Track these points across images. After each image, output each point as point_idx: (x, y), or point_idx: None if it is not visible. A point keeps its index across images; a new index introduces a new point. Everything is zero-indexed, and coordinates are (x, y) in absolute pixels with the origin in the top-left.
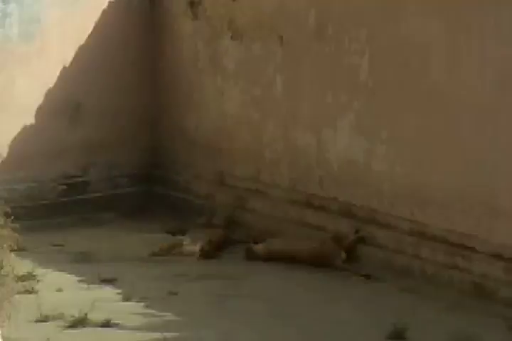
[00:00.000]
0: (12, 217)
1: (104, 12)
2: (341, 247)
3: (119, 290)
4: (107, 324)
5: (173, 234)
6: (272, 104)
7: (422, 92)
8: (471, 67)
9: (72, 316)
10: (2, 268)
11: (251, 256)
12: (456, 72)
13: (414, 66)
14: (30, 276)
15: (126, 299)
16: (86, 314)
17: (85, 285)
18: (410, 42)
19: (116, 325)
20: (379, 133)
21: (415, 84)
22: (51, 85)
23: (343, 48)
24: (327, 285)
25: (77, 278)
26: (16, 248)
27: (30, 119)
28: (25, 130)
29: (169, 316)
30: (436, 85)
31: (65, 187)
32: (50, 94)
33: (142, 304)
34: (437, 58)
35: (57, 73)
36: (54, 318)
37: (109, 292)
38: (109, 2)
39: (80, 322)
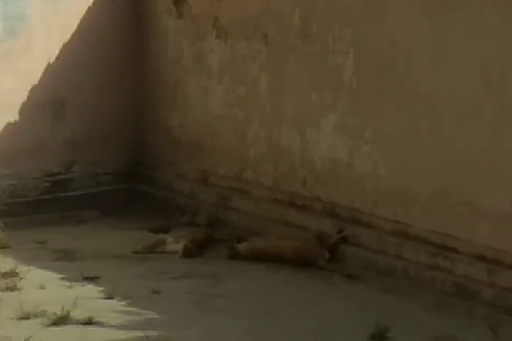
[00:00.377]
0: None
1: (89, 9)
2: (324, 247)
3: (102, 288)
4: (89, 322)
5: (156, 232)
6: (256, 103)
7: (406, 92)
8: (456, 67)
9: (55, 314)
10: None
11: (234, 255)
12: (440, 72)
13: (398, 66)
14: (12, 273)
15: (109, 297)
16: (68, 312)
17: (68, 283)
18: (395, 42)
19: (98, 323)
20: (363, 133)
21: (399, 84)
22: (35, 82)
23: (328, 48)
24: (310, 284)
25: (60, 276)
26: None
27: (13, 116)
28: (9, 127)
29: (152, 314)
30: (420, 85)
31: (47, 184)
32: (33, 91)
33: (125, 302)
34: (422, 58)
35: (42, 70)
36: (36, 316)
37: (91, 290)
38: None
39: (62, 320)
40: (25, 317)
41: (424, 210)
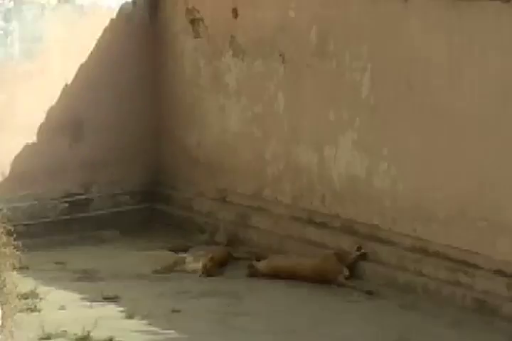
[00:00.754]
0: (14, 235)
1: (105, 30)
2: (344, 264)
3: (122, 308)
4: None
5: (176, 251)
6: (273, 121)
7: (423, 108)
8: (473, 80)
9: (75, 334)
10: (5, 286)
11: (253, 273)
12: (458, 87)
13: (415, 81)
14: (32, 294)
15: (129, 317)
16: (89, 332)
17: (88, 303)
18: (411, 58)
19: None
20: (381, 150)
21: (417, 99)
22: (53, 103)
23: (345, 65)
24: (329, 301)
25: (80, 296)
26: (18, 266)
27: (31, 137)
28: (27, 148)
29: (172, 334)
30: (438, 100)
31: (66, 205)
32: (51, 112)
33: (145, 322)
34: (439, 73)
35: (59, 91)
36: (57, 336)
37: (111, 310)
38: (111, 19)
39: (82, 340)
40: (46, 337)
41: (444, 226)
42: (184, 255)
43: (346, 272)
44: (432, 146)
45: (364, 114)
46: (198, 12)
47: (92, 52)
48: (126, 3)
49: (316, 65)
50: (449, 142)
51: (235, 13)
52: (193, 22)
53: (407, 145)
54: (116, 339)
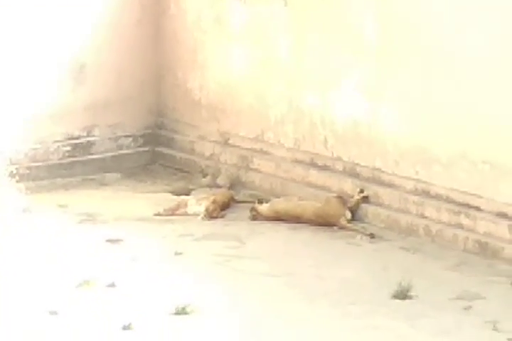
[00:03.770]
0: (17, 178)
1: None
2: (346, 207)
3: (125, 251)
4: (112, 285)
5: (178, 194)
6: (276, 64)
7: (428, 51)
8: (477, 24)
9: (79, 277)
10: None
11: (256, 216)
12: (461, 30)
13: (419, 24)
14: None
15: (132, 259)
16: (92, 275)
17: (91, 246)
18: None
19: (121, 286)
20: (384, 93)
21: (420, 43)
22: (55, 46)
23: (349, 8)
24: (331, 244)
25: (83, 239)
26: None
27: (34, 80)
28: (30, 91)
29: (174, 276)
30: (442, 44)
31: (69, 147)
32: (53, 55)
33: (148, 264)
34: (442, 16)
35: (61, 35)
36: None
37: (114, 252)
38: None
39: (86, 283)
40: None
41: (446, 169)
42: (186, 198)
43: (348, 215)
44: (435, 89)
45: (367, 57)
46: None
47: None
48: None
49: (320, 8)
50: (452, 85)
51: None
52: None
53: (409, 88)
54: (119, 282)
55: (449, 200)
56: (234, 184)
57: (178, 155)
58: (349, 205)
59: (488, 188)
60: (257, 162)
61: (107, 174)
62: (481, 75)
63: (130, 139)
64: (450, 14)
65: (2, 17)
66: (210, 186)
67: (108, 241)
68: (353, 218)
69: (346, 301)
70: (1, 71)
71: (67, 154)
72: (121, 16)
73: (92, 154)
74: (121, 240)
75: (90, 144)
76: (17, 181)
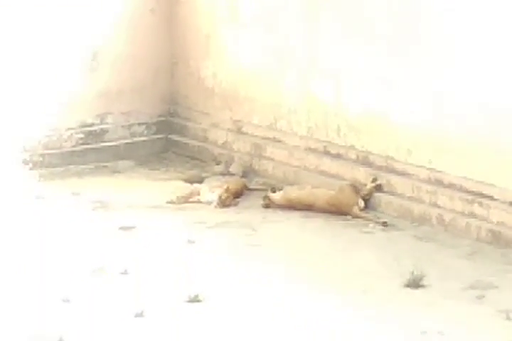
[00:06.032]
0: (30, 165)
1: None
2: (359, 195)
3: (138, 238)
4: (125, 272)
5: (191, 182)
6: (290, 52)
7: (440, 40)
8: (491, 13)
9: (92, 264)
10: None
11: (268, 204)
12: (476, 18)
13: (432, 12)
14: None
15: (145, 247)
16: (104, 262)
17: (104, 233)
18: None
19: (134, 273)
20: (396, 82)
21: (433, 31)
22: (68, 34)
23: None
24: (344, 233)
25: (96, 226)
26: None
27: (48, 68)
28: (43, 78)
29: (188, 264)
30: (453, 33)
31: (82, 135)
32: (67, 43)
33: (160, 252)
34: (455, 4)
35: (75, 22)
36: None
37: (127, 240)
38: None
39: (99, 271)
40: None
41: (459, 157)
42: (199, 186)
43: (361, 203)
44: (448, 77)
45: (381, 46)
46: None
47: None
48: None
49: None
50: (466, 73)
51: None
52: None
53: (423, 76)
54: (131, 269)
55: (462, 189)
56: (247, 172)
57: (191, 143)
58: (362, 194)
59: (501, 177)
60: (270, 150)
61: (120, 161)
62: (496, 63)
63: (143, 127)
64: (464, 2)
65: (17, 6)
66: (223, 174)
67: (121, 228)
68: (366, 207)
69: (359, 290)
70: (15, 59)
71: (80, 141)
72: (134, 4)
73: (105, 142)
74: (134, 227)
75: (103, 132)
76: (30, 168)
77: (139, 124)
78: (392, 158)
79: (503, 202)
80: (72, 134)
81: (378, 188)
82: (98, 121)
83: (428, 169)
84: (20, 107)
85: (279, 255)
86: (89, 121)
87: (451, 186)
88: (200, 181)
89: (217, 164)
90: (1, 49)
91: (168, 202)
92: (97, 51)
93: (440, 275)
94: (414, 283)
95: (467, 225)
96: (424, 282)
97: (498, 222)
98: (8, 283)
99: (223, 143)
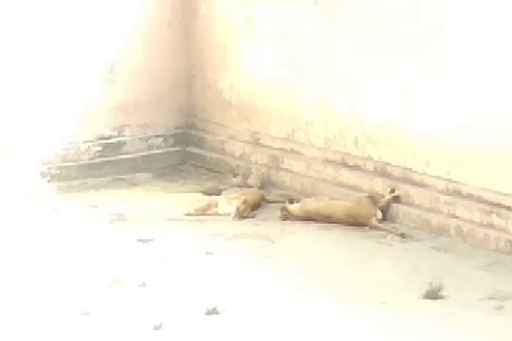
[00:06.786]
0: (48, 178)
1: None
2: (377, 206)
3: (156, 251)
4: (143, 284)
5: (209, 194)
6: (306, 64)
7: (457, 51)
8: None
9: (110, 277)
10: None
11: (286, 216)
12: (494, 29)
13: (447, 23)
14: None
15: (163, 259)
16: (123, 275)
17: (122, 246)
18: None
19: (152, 286)
20: (413, 92)
21: (450, 43)
22: (86, 47)
23: (377, 7)
24: (362, 244)
25: (114, 239)
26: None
27: (65, 80)
28: (61, 91)
29: (206, 276)
30: (470, 44)
31: (99, 147)
32: (84, 55)
33: (178, 264)
34: (470, 16)
35: (92, 35)
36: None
37: (145, 252)
38: None
39: (117, 283)
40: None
41: (477, 168)
42: (217, 198)
43: (379, 215)
44: (466, 88)
45: (398, 57)
46: None
47: None
48: None
49: (349, 7)
50: (483, 85)
51: None
52: None
53: (440, 88)
54: (150, 281)
55: (480, 200)
56: (264, 184)
57: (209, 155)
58: (380, 205)
59: None
60: (288, 162)
61: (138, 174)
62: (505, 81)
63: (161, 139)
64: (482, 13)
65: (34, 18)
66: (240, 186)
67: (139, 241)
68: (384, 218)
69: (377, 301)
70: (33, 72)
71: (97, 154)
72: (151, 17)
73: (122, 154)
74: (152, 240)
75: (121, 144)
76: (48, 181)
77: (157, 136)
78: (410, 169)
79: None
80: (89, 147)
81: (396, 199)
82: (115, 134)
83: (446, 180)
84: (37, 120)
85: (297, 267)
86: (107, 133)
87: (469, 197)
88: (218, 193)
89: (235, 176)
90: (19, 62)
91: (185, 214)
92: (114, 64)
93: (459, 286)
94: (433, 294)
95: (485, 236)
96: (443, 293)
97: None
98: (27, 295)
99: (241, 155)
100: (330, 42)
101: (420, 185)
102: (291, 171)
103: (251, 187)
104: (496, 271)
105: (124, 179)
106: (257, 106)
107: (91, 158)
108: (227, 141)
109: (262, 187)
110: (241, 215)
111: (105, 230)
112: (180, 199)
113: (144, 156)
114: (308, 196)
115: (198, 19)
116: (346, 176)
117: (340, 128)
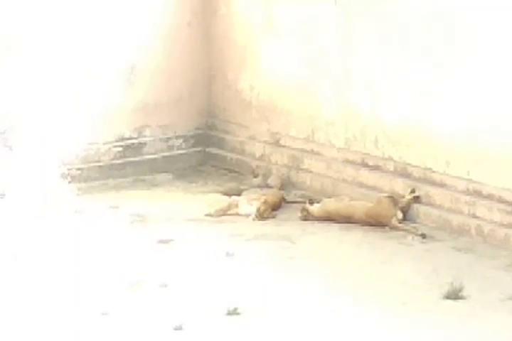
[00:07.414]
0: (69, 179)
1: None
2: (397, 207)
3: (176, 251)
4: (164, 285)
5: (229, 194)
6: (326, 64)
7: (477, 51)
8: None
9: (130, 278)
10: None
11: (307, 217)
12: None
13: (469, 24)
14: None
15: (183, 260)
16: (143, 275)
17: (142, 247)
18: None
19: (173, 286)
20: (434, 92)
21: (472, 42)
22: (106, 48)
23: (398, 5)
24: (383, 244)
25: (134, 240)
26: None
27: (85, 81)
28: (81, 92)
29: (226, 276)
30: (492, 43)
31: (120, 149)
32: (105, 57)
33: (199, 264)
34: (492, 17)
35: (113, 36)
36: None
37: (166, 253)
38: None
39: (137, 284)
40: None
41: (498, 168)
42: (237, 198)
43: (400, 215)
44: (487, 88)
45: (418, 57)
46: None
47: None
48: None
49: (369, 7)
50: (504, 84)
51: None
52: None
53: (461, 87)
54: (170, 282)
55: (501, 200)
56: (285, 184)
57: (229, 155)
58: (400, 205)
59: None
60: (308, 162)
61: (158, 175)
62: None
63: (181, 140)
64: (505, 13)
65: (56, 19)
66: (260, 186)
67: (159, 241)
68: (405, 218)
69: (398, 301)
70: (53, 73)
71: (118, 155)
72: (171, 18)
73: (143, 155)
74: (173, 240)
75: (141, 145)
76: (69, 182)
77: (177, 137)
78: (430, 169)
79: None
80: (110, 148)
81: (416, 200)
82: (136, 135)
83: (466, 180)
84: (58, 121)
85: (317, 267)
86: (127, 134)
87: (490, 197)
88: (238, 194)
89: (255, 176)
90: (40, 64)
91: (206, 215)
92: (134, 64)
93: (479, 286)
94: (454, 295)
95: (506, 236)
96: (464, 293)
97: None
98: (48, 296)
99: (261, 156)
100: (350, 42)
101: (441, 185)
102: (311, 171)
103: (271, 187)
104: None
105: (144, 180)
106: (277, 106)
107: (111, 159)
108: (247, 142)
109: (282, 187)
110: (261, 216)
111: (126, 231)
112: (201, 199)
113: (164, 157)
114: (329, 196)
115: (217, 19)
116: (366, 176)
117: (360, 129)
